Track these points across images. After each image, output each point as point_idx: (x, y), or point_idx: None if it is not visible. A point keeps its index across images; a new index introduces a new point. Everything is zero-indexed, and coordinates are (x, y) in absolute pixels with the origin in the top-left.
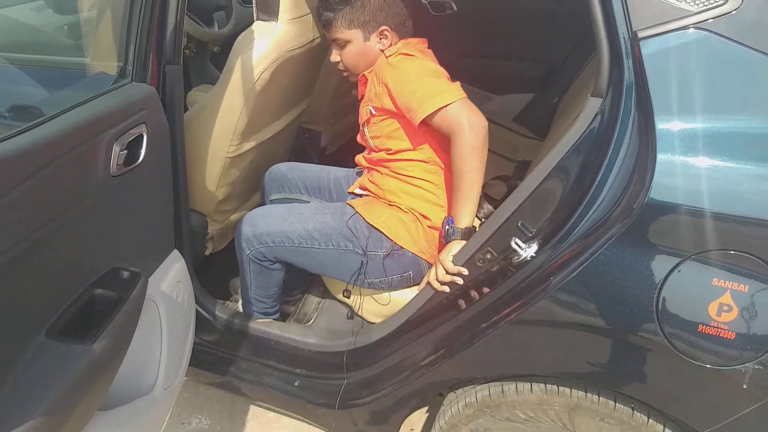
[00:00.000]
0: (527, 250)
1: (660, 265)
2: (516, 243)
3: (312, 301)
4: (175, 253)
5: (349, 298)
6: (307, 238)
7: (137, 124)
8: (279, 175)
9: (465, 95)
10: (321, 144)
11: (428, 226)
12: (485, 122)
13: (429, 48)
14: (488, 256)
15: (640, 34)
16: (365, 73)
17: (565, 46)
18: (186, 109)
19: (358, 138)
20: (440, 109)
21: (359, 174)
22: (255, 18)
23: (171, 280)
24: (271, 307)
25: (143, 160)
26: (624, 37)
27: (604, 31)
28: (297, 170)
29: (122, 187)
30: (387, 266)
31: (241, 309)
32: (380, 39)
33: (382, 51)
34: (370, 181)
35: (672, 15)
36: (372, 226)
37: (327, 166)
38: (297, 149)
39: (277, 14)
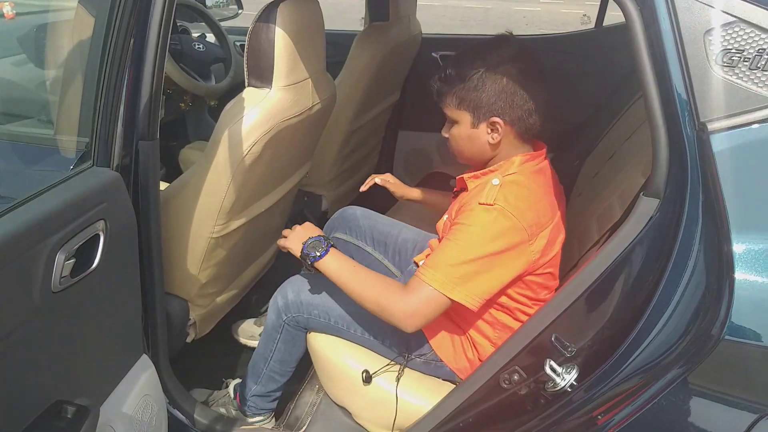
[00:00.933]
0: (566, 378)
1: (739, 418)
2: (551, 367)
3: (305, 402)
4: (144, 360)
5: (369, 382)
6: (345, 320)
7: (92, 222)
8: (351, 218)
9: (458, 299)
10: (322, 208)
11: (477, 355)
12: (415, 327)
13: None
14: (516, 377)
15: (710, 126)
16: (466, 177)
17: (587, 106)
18: (178, 167)
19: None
20: (426, 284)
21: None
22: (246, 84)
23: (137, 395)
24: (278, 390)
25: (98, 265)
26: (688, 129)
27: (662, 119)
28: (370, 219)
29: (68, 302)
30: (418, 368)
31: (231, 393)
32: (490, 130)
33: (491, 145)
34: None
35: (752, 104)
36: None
37: (400, 223)
38: (294, 215)
39: (271, 80)
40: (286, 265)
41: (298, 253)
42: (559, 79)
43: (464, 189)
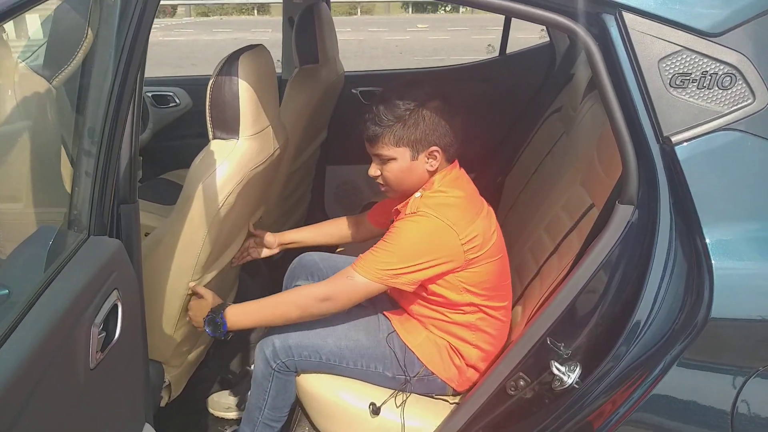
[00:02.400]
0: (571, 376)
1: (730, 382)
2: (557, 367)
3: None
4: (147, 429)
5: (377, 414)
6: (337, 355)
7: (110, 293)
8: (311, 263)
9: (381, 283)
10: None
11: (463, 361)
12: (332, 310)
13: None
14: (521, 382)
15: (674, 139)
16: (399, 207)
17: (499, 128)
18: None
19: None
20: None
21: None
22: (211, 137)
23: None
24: None
25: (120, 334)
26: (654, 143)
27: (628, 136)
28: (329, 260)
29: (100, 376)
30: (413, 388)
31: None
32: (428, 159)
33: (430, 172)
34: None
35: (705, 117)
36: (407, 347)
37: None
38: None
39: (238, 131)
40: None
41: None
42: (473, 104)
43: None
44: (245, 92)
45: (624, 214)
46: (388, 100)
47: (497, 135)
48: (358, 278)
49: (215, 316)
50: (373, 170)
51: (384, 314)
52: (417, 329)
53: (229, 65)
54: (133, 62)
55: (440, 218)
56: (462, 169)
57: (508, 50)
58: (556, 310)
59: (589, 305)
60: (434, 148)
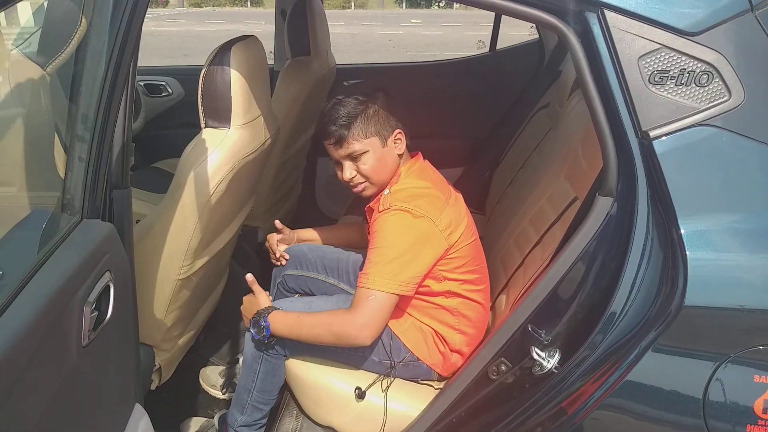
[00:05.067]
0: (550, 361)
1: (702, 368)
2: (537, 353)
3: (285, 429)
4: (138, 409)
5: (363, 398)
6: None
7: (102, 274)
8: (300, 254)
9: (399, 291)
10: (258, 240)
11: (447, 347)
12: (373, 337)
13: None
14: (503, 367)
15: (652, 134)
16: (371, 205)
17: (488, 123)
18: None
19: None
20: (367, 289)
21: None
22: (202, 125)
23: None
24: (263, 418)
25: (111, 316)
26: (633, 137)
27: (608, 130)
28: (318, 250)
29: (92, 355)
30: (398, 373)
31: (217, 425)
32: (395, 143)
33: (399, 155)
34: None
35: (682, 113)
36: (393, 333)
37: (345, 249)
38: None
39: (229, 120)
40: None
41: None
42: (461, 99)
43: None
44: (237, 82)
45: (603, 205)
46: (340, 102)
47: (486, 130)
48: (378, 294)
49: (260, 319)
50: (348, 172)
51: None
52: (403, 316)
53: (221, 55)
54: (127, 49)
55: (413, 209)
56: (426, 161)
57: (499, 46)
58: (537, 298)
59: (569, 294)
60: (397, 130)
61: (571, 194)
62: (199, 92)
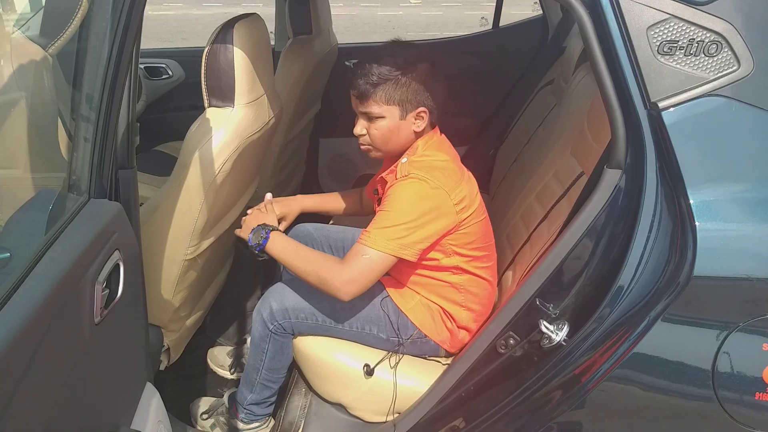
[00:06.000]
0: (559, 334)
1: (711, 338)
2: (545, 326)
3: (295, 407)
4: (149, 388)
5: (371, 375)
6: (332, 317)
7: (111, 253)
8: (305, 234)
9: (397, 253)
10: None
11: (454, 324)
12: (353, 294)
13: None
14: (511, 341)
15: (661, 105)
16: (384, 175)
17: (492, 101)
18: None
19: None
20: (365, 246)
21: None
22: (206, 105)
23: (152, 423)
24: (272, 396)
25: (121, 294)
26: (641, 109)
27: (617, 102)
28: (323, 230)
29: (104, 333)
30: (406, 350)
31: (227, 403)
32: (415, 119)
33: (416, 133)
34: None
35: (691, 83)
36: (400, 310)
37: (350, 228)
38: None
39: (233, 99)
40: (240, 280)
41: (246, 234)
42: (465, 77)
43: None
44: (240, 60)
45: (612, 178)
46: (379, 58)
47: (490, 108)
48: (373, 253)
49: (263, 230)
50: (359, 128)
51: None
52: (409, 293)
53: (224, 33)
54: (131, 29)
55: (431, 179)
56: (443, 135)
57: (501, 24)
58: (545, 271)
59: (577, 267)
60: (422, 108)
61: (578, 169)
62: (203, 71)
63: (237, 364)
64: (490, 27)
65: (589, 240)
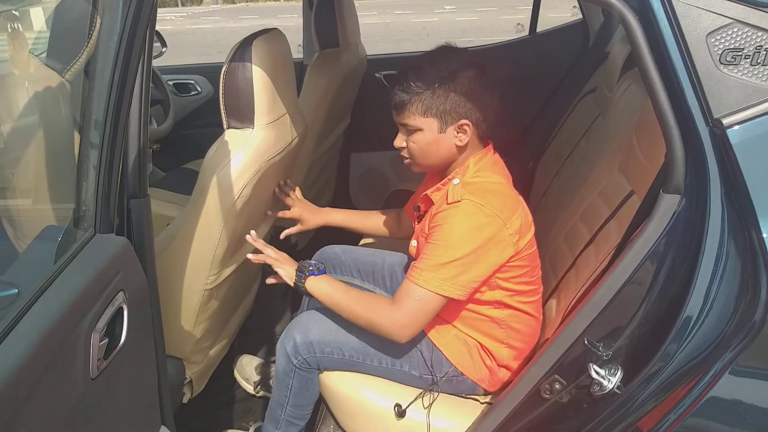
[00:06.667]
0: (611, 380)
1: None
2: (595, 370)
3: None
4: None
5: (403, 416)
6: (360, 352)
7: (114, 295)
8: (333, 257)
9: (453, 294)
10: (291, 241)
11: (494, 361)
12: (410, 336)
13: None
14: (557, 385)
15: (725, 121)
16: (430, 193)
17: (530, 110)
18: None
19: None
20: (416, 285)
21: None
22: (225, 126)
23: None
24: None
25: (125, 340)
26: (702, 126)
27: (673, 119)
28: (352, 253)
29: (105, 385)
30: (440, 388)
31: None
32: (457, 133)
33: (459, 147)
34: None
35: (758, 97)
36: (434, 346)
37: (381, 251)
38: None
39: (253, 120)
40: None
41: (291, 274)
42: (501, 85)
43: (429, 206)
44: (260, 79)
45: (669, 204)
46: (419, 67)
47: (527, 118)
48: (425, 295)
49: (310, 265)
50: (399, 141)
51: None
52: (445, 327)
53: (242, 51)
54: (135, 49)
55: (486, 206)
56: (497, 154)
57: (539, 29)
58: (595, 307)
59: (632, 303)
60: (464, 121)
61: (627, 188)
62: (221, 91)
63: (263, 382)
64: (527, 33)
65: (644, 273)
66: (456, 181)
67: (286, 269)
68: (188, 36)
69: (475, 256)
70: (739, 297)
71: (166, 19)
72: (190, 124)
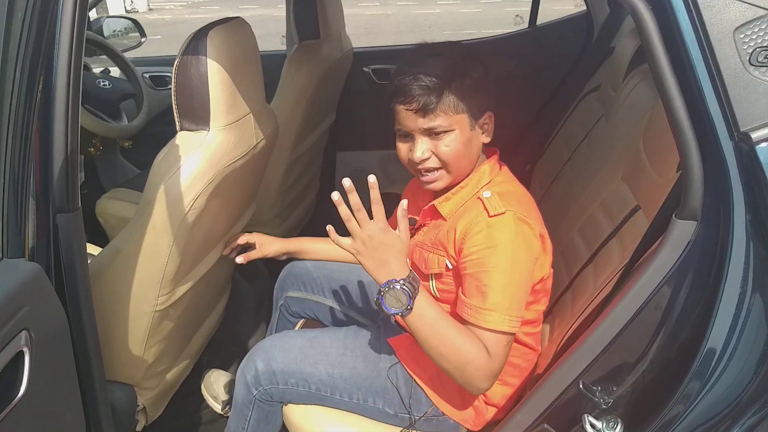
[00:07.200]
0: None
1: None
2: (590, 422)
3: None
4: None
5: None
6: (329, 385)
7: (12, 338)
8: (303, 272)
9: (515, 327)
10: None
11: (482, 400)
12: (491, 386)
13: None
14: None
15: (754, 135)
16: (437, 203)
17: (528, 108)
18: (96, 222)
19: None
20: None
21: None
22: (178, 128)
23: None
24: None
25: (26, 391)
26: (726, 141)
27: (691, 131)
28: (324, 269)
29: None
30: (418, 427)
31: None
32: (483, 128)
33: (483, 144)
34: None
35: None
36: (414, 381)
37: (357, 266)
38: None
39: (208, 121)
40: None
41: (380, 284)
42: (498, 81)
43: (433, 219)
44: (216, 74)
45: (683, 232)
46: (431, 60)
47: (526, 117)
48: (510, 334)
49: (404, 286)
50: (421, 151)
51: (388, 341)
52: (427, 361)
53: (195, 43)
54: (46, 32)
55: (528, 219)
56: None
57: (539, 22)
58: (594, 348)
59: (636, 345)
60: (488, 113)
61: (632, 201)
62: (173, 88)
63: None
64: (526, 26)
65: (652, 311)
66: (487, 194)
67: (376, 272)
68: (186, 26)
69: (526, 275)
70: (765, 348)
71: (165, 9)
72: (168, 119)
